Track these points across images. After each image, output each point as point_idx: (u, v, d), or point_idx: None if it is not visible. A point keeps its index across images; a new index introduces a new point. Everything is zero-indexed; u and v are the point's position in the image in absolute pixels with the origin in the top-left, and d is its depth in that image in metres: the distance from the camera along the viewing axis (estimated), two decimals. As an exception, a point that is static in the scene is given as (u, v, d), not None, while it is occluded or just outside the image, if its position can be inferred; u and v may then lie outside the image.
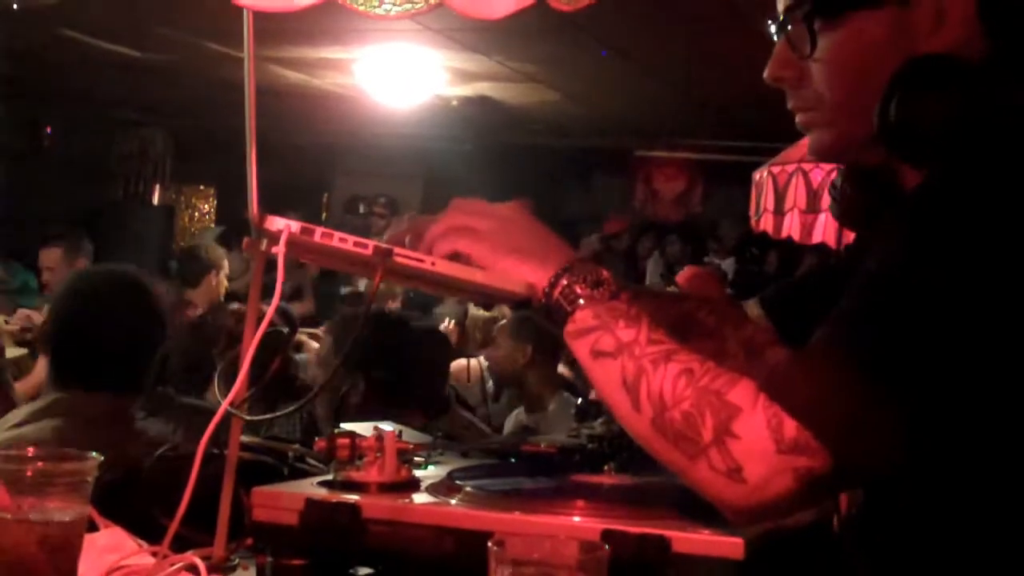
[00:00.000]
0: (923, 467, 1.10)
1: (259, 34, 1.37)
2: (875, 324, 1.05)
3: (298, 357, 5.14)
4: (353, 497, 1.25)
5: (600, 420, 1.48)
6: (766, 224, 4.79)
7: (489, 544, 0.96)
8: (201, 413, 2.28)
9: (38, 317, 4.31)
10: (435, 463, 1.46)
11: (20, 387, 4.10)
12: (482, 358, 5.79)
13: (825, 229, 4.54)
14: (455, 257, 1.23)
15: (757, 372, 1.11)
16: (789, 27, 1.21)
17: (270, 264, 1.27)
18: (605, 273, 1.19)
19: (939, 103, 1.11)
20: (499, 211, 1.26)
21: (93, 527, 1.35)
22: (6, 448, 1.63)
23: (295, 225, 1.21)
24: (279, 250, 1.20)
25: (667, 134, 10.78)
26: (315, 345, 5.93)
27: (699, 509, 1.14)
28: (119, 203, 11.16)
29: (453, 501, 1.25)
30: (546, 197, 10.44)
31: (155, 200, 11.65)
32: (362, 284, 6.98)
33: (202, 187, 12.60)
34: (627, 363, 1.12)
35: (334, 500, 1.25)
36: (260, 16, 1.36)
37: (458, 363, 5.35)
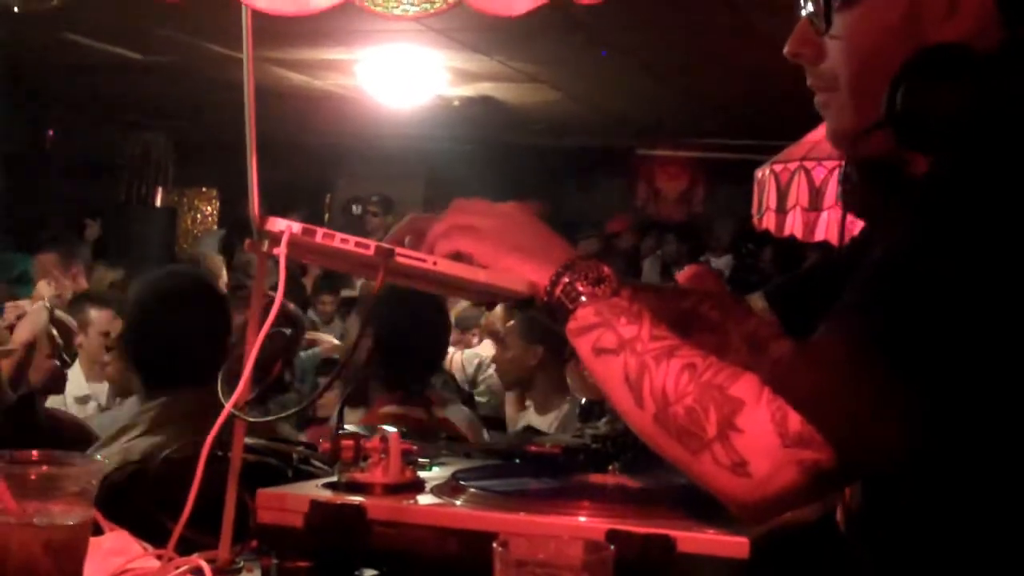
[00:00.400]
0: (928, 459, 1.09)
1: (260, 36, 1.37)
2: (880, 314, 1.04)
3: (304, 354, 5.17)
4: (358, 499, 1.25)
5: (604, 420, 1.48)
6: (768, 222, 4.78)
7: (494, 545, 0.96)
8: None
9: (29, 306, 4.32)
10: (439, 464, 1.46)
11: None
12: (467, 352, 5.85)
13: (828, 227, 4.53)
14: (457, 256, 1.23)
15: (761, 366, 1.11)
16: (810, 4, 1.22)
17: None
18: (607, 270, 1.19)
19: (946, 93, 1.11)
20: (500, 210, 1.26)
21: (98, 530, 1.35)
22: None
23: (296, 226, 1.21)
24: (280, 251, 1.20)
25: (669, 133, 10.78)
26: (327, 339, 5.98)
27: (704, 509, 1.14)
28: (121, 205, 11.17)
29: (458, 502, 1.24)
30: (547, 197, 10.44)
31: (158, 202, 11.66)
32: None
33: (204, 189, 12.61)
34: (629, 359, 1.12)
35: (339, 502, 1.25)
36: (261, 18, 1.35)
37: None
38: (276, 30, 6.04)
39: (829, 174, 4.16)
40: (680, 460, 1.10)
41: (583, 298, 1.17)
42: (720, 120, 9.50)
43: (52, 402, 4.31)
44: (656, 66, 7.31)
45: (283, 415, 2.42)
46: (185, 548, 1.30)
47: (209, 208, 12.73)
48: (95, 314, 4.59)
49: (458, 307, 6.16)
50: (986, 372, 1.03)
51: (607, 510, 1.18)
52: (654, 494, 1.25)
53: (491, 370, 5.65)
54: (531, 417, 4.51)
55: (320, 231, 1.21)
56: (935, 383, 1.03)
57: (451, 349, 5.88)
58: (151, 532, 1.38)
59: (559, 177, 11.57)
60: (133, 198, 11.39)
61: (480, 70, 7.75)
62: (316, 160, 11.61)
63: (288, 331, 4.43)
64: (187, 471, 1.25)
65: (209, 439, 1.24)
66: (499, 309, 6.05)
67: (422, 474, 1.36)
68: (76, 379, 4.57)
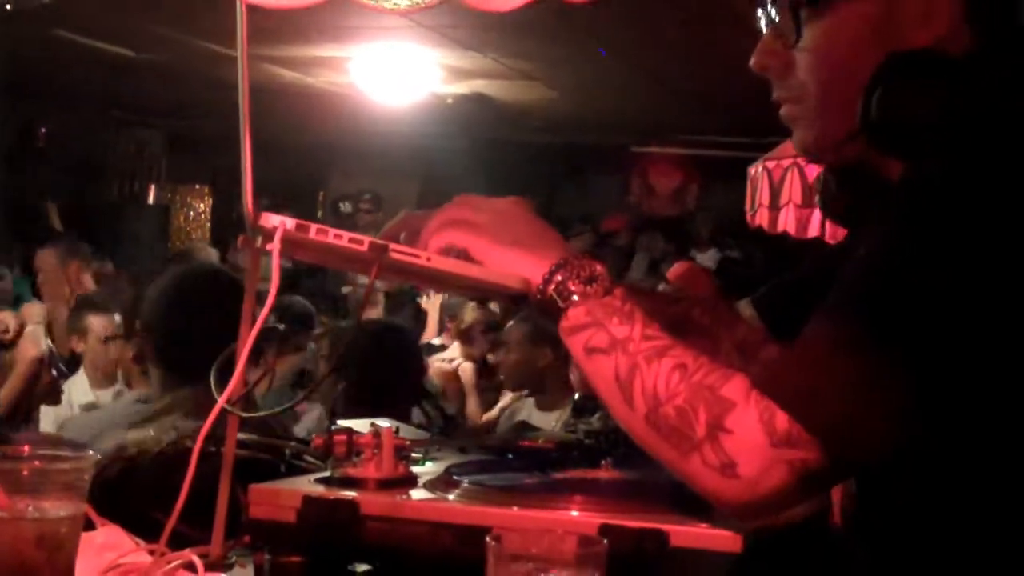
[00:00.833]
0: (919, 453, 1.10)
1: (254, 33, 1.37)
2: (862, 313, 1.05)
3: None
4: (351, 494, 1.25)
5: (597, 415, 1.48)
6: (761, 219, 4.80)
7: (487, 539, 0.96)
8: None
9: (10, 318, 4.35)
10: (432, 459, 1.45)
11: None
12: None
13: (820, 223, 4.55)
14: (451, 252, 1.23)
15: (751, 370, 1.11)
16: (776, 16, 1.21)
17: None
18: (599, 268, 1.19)
19: (922, 97, 1.11)
20: (495, 205, 1.26)
21: (90, 525, 1.35)
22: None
23: (290, 222, 1.20)
24: (274, 247, 1.20)
25: (663, 131, 10.78)
26: None
27: (697, 503, 1.14)
28: (114, 203, 11.15)
29: (451, 497, 1.24)
30: (541, 194, 10.44)
31: (150, 200, 11.63)
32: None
33: (197, 186, 12.59)
34: (620, 359, 1.12)
35: (332, 497, 1.25)
36: (255, 15, 1.36)
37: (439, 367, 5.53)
38: (269, 27, 6.04)
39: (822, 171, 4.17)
40: (670, 461, 1.11)
41: (575, 297, 1.17)
42: (714, 117, 9.50)
43: (58, 412, 4.32)
44: (650, 63, 7.31)
45: (272, 411, 2.41)
46: (177, 543, 1.30)
47: (202, 205, 12.70)
48: (94, 320, 4.59)
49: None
50: (969, 366, 1.04)
51: (600, 504, 1.19)
52: (647, 488, 1.25)
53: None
54: (533, 414, 4.50)
55: (314, 227, 1.21)
56: (919, 379, 1.03)
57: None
58: (143, 528, 1.38)
59: (553, 174, 11.57)
60: (126, 195, 11.37)
61: (474, 67, 7.74)
62: (309, 157, 11.59)
63: (281, 327, 4.44)
64: (179, 466, 1.25)
65: (202, 434, 1.24)
66: (469, 310, 6.09)
67: (415, 469, 1.36)
68: (81, 386, 4.57)
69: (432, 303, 6.77)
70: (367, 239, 1.21)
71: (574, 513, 1.18)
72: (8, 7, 5.84)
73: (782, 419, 1.05)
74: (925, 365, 1.03)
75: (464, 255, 1.23)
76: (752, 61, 1.24)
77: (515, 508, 1.19)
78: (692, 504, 1.15)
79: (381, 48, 7.18)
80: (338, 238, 1.21)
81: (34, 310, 4.59)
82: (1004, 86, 1.11)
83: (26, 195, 9.78)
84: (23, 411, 4.18)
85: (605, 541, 0.98)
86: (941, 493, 1.12)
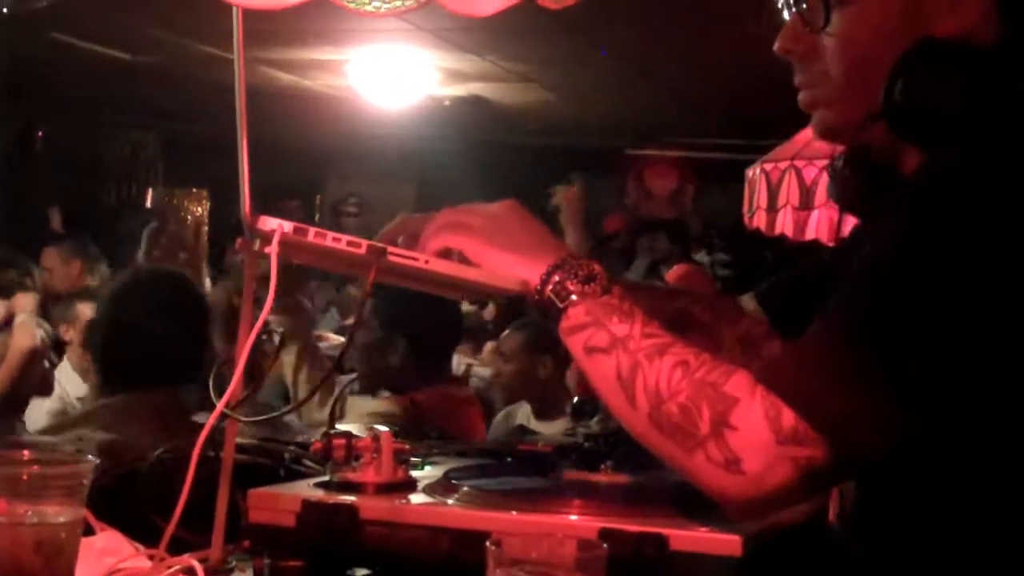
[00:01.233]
0: (921, 453, 1.09)
1: (250, 36, 1.36)
2: (870, 309, 1.04)
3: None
4: (350, 498, 1.25)
5: (596, 418, 1.48)
6: (759, 221, 4.79)
7: (487, 544, 0.96)
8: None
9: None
10: (431, 463, 1.45)
11: None
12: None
13: (818, 226, 4.54)
14: (448, 255, 1.23)
15: (754, 365, 1.11)
16: (804, 2, 1.21)
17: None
18: (597, 267, 1.18)
19: (946, 85, 1.10)
20: (492, 208, 1.26)
21: (89, 530, 1.34)
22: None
23: (288, 225, 1.20)
24: (272, 250, 1.19)
25: (660, 133, 10.78)
26: (335, 337, 5.97)
27: (697, 507, 1.14)
28: (111, 206, 11.14)
29: (450, 501, 1.24)
30: (538, 197, 10.42)
31: (147, 203, 11.61)
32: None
33: (195, 190, 12.57)
34: (621, 358, 1.12)
35: (331, 501, 1.25)
36: (251, 18, 1.35)
37: None
38: (266, 30, 6.03)
39: (819, 173, 4.16)
40: (673, 458, 1.10)
41: (573, 296, 1.17)
42: (711, 120, 9.50)
43: (52, 403, 4.32)
44: (647, 66, 7.31)
45: (274, 415, 2.41)
46: (177, 548, 1.30)
47: (199, 209, 12.68)
48: (84, 309, 4.58)
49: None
50: (976, 364, 1.03)
51: (600, 508, 1.18)
52: (647, 492, 1.25)
53: None
54: (534, 425, 4.43)
55: (312, 230, 1.21)
56: (926, 378, 1.03)
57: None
58: (143, 532, 1.38)
59: (551, 176, 11.55)
60: (123, 199, 11.36)
61: (471, 70, 7.74)
62: (306, 161, 11.58)
63: (280, 331, 4.43)
64: (178, 471, 1.25)
65: (201, 438, 1.23)
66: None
67: (414, 473, 1.36)
68: (74, 378, 4.57)
69: None
70: (365, 242, 1.21)
71: (573, 517, 1.18)
72: (4, 10, 5.84)
73: (788, 416, 1.04)
74: (932, 365, 1.02)
75: (462, 258, 1.23)
76: (776, 45, 1.24)
77: (514, 512, 1.19)
78: (692, 507, 1.15)
79: (378, 51, 7.18)
80: (336, 241, 1.21)
81: (25, 300, 4.56)
82: None
83: (24, 198, 9.77)
84: (15, 403, 4.16)
85: (605, 545, 0.98)
86: (941, 492, 1.12)
